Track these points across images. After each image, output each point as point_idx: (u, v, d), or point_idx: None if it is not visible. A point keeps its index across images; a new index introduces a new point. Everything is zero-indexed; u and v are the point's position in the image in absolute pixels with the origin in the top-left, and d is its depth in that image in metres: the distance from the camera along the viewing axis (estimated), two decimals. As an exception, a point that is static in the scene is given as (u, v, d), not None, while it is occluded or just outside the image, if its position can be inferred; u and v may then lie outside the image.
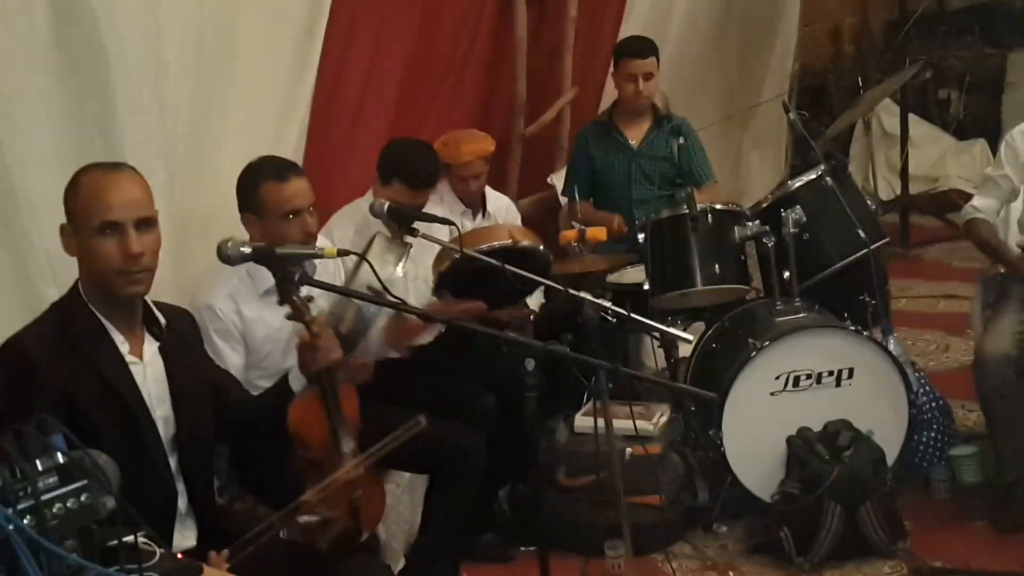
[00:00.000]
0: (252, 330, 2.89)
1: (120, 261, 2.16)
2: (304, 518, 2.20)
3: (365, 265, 2.64)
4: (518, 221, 4.23)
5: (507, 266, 2.97)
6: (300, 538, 2.22)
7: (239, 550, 2.15)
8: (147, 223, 2.20)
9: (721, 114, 6.37)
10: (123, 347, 2.23)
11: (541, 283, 3.07)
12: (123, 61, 2.80)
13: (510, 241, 3.22)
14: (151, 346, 2.28)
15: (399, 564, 3.18)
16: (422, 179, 3.44)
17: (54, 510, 1.52)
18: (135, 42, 2.84)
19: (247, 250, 2.34)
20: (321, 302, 2.95)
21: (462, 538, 3.23)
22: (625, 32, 5.30)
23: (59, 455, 1.56)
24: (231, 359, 2.84)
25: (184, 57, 3.02)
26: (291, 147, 3.53)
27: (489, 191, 4.15)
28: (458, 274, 3.27)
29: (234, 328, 2.86)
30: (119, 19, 2.77)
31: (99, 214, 2.16)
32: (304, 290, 2.37)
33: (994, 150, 3.70)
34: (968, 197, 3.83)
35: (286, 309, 2.37)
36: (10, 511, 1.46)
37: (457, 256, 3.15)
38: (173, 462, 2.29)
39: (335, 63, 3.72)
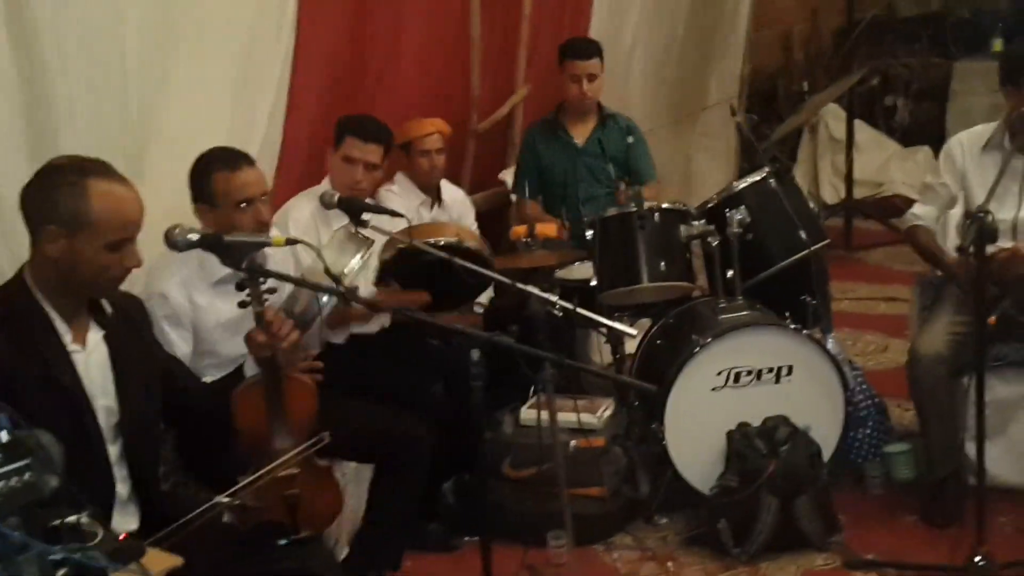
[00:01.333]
0: (203, 318, 2.90)
1: (119, 272, 2.23)
2: (229, 501, 2.20)
3: (323, 252, 2.68)
4: (472, 214, 4.30)
5: (456, 259, 3.00)
6: (233, 521, 2.23)
7: (172, 534, 2.15)
8: None
9: (672, 116, 6.46)
10: (66, 336, 2.23)
11: (486, 278, 3.11)
12: (83, 51, 2.79)
13: (455, 239, 3.26)
14: (96, 334, 2.29)
15: (344, 552, 3.21)
16: (371, 129, 3.53)
17: (-3, 488, 1.54)
18: (95, 28, 2.84)
19: (194, 237, 2.35)
20: (284, 289, 2.98)
21: (407, 527, 3.26)
22: (591, 32, 5.38)
23: (3, 434, 1.57)
24: (178, 346, 2.85)
25: (147, 43, 3.02)
26: (260, 138, 3.55)
27: (445, 183, 4.20)
28: (403, 265, 3.31)
29: (184, 316, 2.87)
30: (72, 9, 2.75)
31: (119, 231, 2.18)
32: (267, 283, 2.40)
33: (938, 157, 3.80)
34: (911, 202, 3.92)
35: (239, 297, 2.38)
36: (-47, 488, 1.48)
37: (402, 246, 3.19)
38: (114, 450, 2.30)
39: (303, 54, 3.74)
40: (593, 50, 4.46)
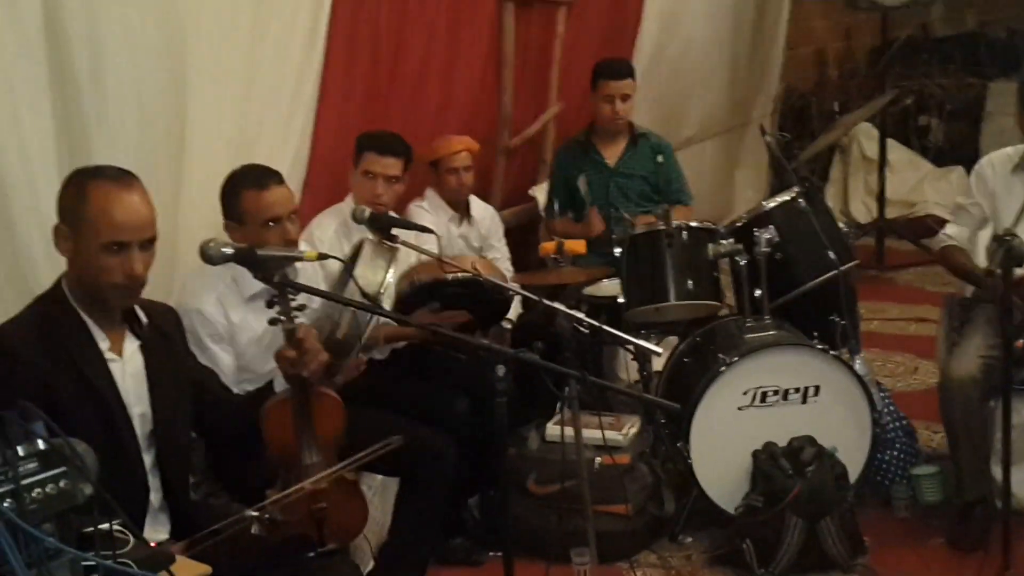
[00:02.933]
0: (237, 334, 2.95)
1: (121, 278, 2.22)
2: (258, 515, 2.24)
3: (356, 270, 2.71)
4: (501, 230, 4.33)
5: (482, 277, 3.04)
6: (261, 533, 2.27)
7: (198, 543, 2.19)
8: (150, 242, 2.27)
9: (713, 134, 6.48)
10: (103, 344, 2.28)
11: (508, 300, 3.14)
12: (107, 59, 2.85)
13: (471, 273, 3.30)
14: (131, 343, 2.34)
15: (369, 565, 3.24)
16: (389, 143, 3.58)
17: (33, 495, 1.58)
18: (131, 44, 2.90)
19: (228, 251, 2.39)
20: (313, 305, 3.02)
21: (431, 541, 3.28)
22: (639, 49, 5.41)
23: (40, 442, 1.62)
24: (224, 361, 2.90)
25: (178, 59, 3.07)
26: (291, 156, 3.61)
27: (474, 199, 4.24)
28: (420, 297, 3.35)
29: (223, 331, 2.93)
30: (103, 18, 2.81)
31: (109, 233, 2.20)
32: (298, 299, 2.43)
33: (970, 176, 3.79)
34: (944, 223, 3.92)
35: (271, 314, 2.42)
36: (-10, 494, 1.52)
37: (420, 282, 3.23)
38: (148, 458, 2.34)
39: (333, 73, 3.80)
40: (626, 70, 4.48)
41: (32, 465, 1.60)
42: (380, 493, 3.34)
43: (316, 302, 2.99)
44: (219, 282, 2.90)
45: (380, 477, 3.35)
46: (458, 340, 2.89)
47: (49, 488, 1.60)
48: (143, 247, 2.24)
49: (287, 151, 3.58)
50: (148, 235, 2.25)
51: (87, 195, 2.22)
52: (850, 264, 3.83)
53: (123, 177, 2.26)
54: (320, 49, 3.70)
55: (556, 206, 4.45)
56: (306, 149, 3.71)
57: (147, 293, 2.48)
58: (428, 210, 4.02)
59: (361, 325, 2.84)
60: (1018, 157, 3.58)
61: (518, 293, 3.35)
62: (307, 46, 3.66)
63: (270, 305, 2.42)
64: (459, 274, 3.27)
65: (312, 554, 2.41)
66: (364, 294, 2.69)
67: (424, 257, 3.26)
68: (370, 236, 3.13)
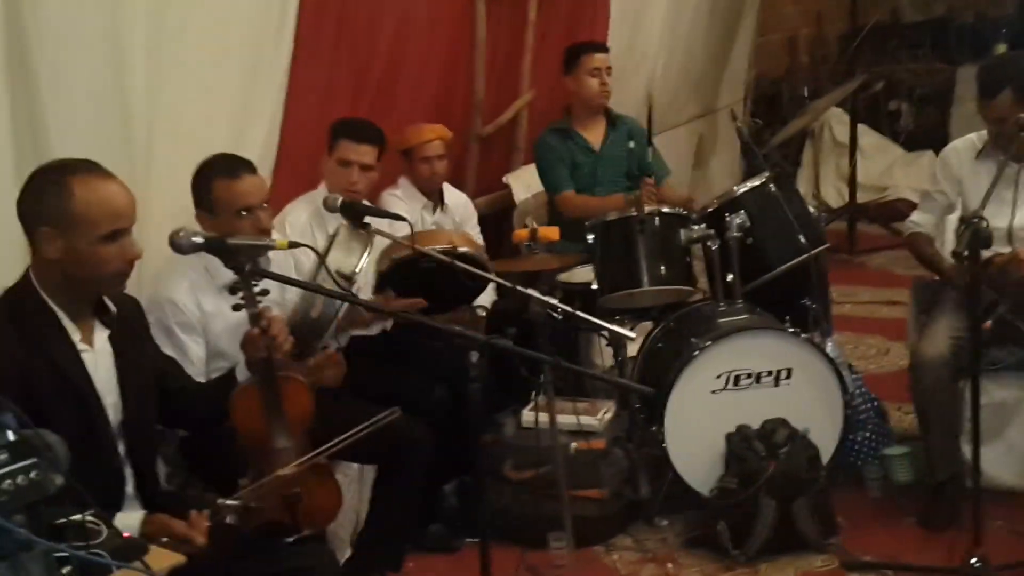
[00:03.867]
0: (211, 323, 2.93)
1: (121, 265, 2.23)
2: (229, 502, 2.24)
3: (332, 254, 2.71)
4: (475, 218, 4.33)
5: (456, 263, 3.04)
6: (235, 522, 2.27)
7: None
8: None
9: (684, 120, 6.51)
10: (75, 335, 2.27)
11: (484, 280, 3.14)
12: (83, 52, 2.82)
13: (449, 245, 3.29)
14: (101, 334, 2.33)
15: (346, 553, 3.24)
16: (364, 131, 3.57)
17: (3, 486, 1.56)
18: (94, 31, 2.87)
19: (199, 240, 2.39)
20: (288, 294, 3.02)
21: (409, 528, 3.29)
22: (609, 38, 5.40)
23: (9, 433, 1.61)
24: (194, 351, 2.89)
25: (145, 49, 3.04)
26: (259, 143, 3.58)
27: (447, 187, 4.23)
28: (398, 274, 3.34)
29: (195, 321, 2.91)
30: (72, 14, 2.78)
31: (109, 222, 2.19)
32: (261, 284, 2.43)
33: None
34: (914, 207, 3.96)
35: (233, 300, 2.42)
36: (-39, 486, 1.51)
37: (399, 257, 3.23)
38: (122, 448, 2.34)
39: (303, 59, 3.77)
40: (606, 46, 4.48)
41: (2, 456, 1.58)
42: (356, 481, 3.34)
43: (288, 290, 2.99)
44: (191, 271, 2.89)
45: (356, 465, 3.35)
46: (431, 326, 2.88)
47: (20, 479, 1.59)
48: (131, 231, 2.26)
49: (255, 140, 3.55)
50: (135, 219, 2.27)
51: (70, 192, 2.18)
52: (821, 248, 3.86)
53: (96, 167, 2.25)
54: (289, 35, 3.67)
55: (549, 189, 4.43)
56: (275, 137, 3.69)
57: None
58: (401, 198, 4.01)
59: (335, 305, 2.84)
60: (981, 143, 3.61)
61: (492, 280, 3.35)
62: (276, 32, 3.62)
63: (233, 291, 2.42)
64: (436, 247, 3.26)
65: (287, 541, 2.41)
66: (338, 274, 2.68)
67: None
68: (344, 223, 3.13)
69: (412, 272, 3.32)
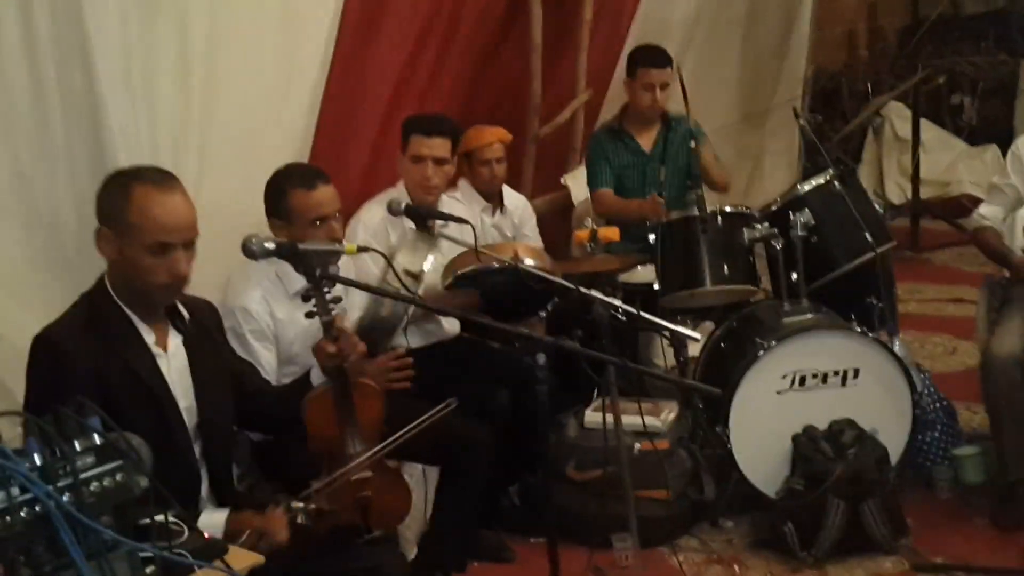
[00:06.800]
0: (283, 331, 2.97)
1: (166, 278, 2.25)
2: (303, 505, 2.27)
3: (398, 254, 2.73)
4: (533, 220, 4.34)
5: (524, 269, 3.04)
6: (308, 524, 2.30)
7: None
8: (193, 241, 2.29)
9: (737, 116, 6.44)
10: (149, 338, 2.32)
11: (551, 290, 3.14)
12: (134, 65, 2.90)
13: (513, 256, 3.29)
14: (175, 338, 2.37)
15: (412, 553, 3.27)
16: (434, 124, 3.58)
17: (91, 488, 1.61)
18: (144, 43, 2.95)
19: (271, 246, 2.42)
20: (356, 298, 3.05)
21: (472, 529, 3.31)
22: (633, 33, 5.38)
23: (96, 436, 1.65)
24: (265, 358, 2.93)
25: (193, 55, 3.10)
26: (297, 143, 3.61)
27: (506, 189, 4.25)
28: (462, 287, 3.36)
29: (267, 329, 2.95)
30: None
31: (154, 234, 2.22)
32: (333, 292, 2.46)
33: (1006, 155, 3.76)
34: (979, 202, 3.89)
35: (306, 308, 2.45)
36: (51, 488, 1.55)
37: (463, 272, 3.25)
38: (197, 449, 2.38)
39: (349, 60, 3.79)
40: (667, 59, 4.44)
41: (89, 459, 1.62)
42: (421, 482, 3.36)
43: (352, 295, 3.02)
44: (264, 278, 2.93)
45: (420, 467, 3.38)
46: (498, 328, 2.90)
47: (106, 481, 1.63)
48: (186, 246, 2.27)
49: (300, 144, 3.58)
50: (192, 235, 2.28)
51: (130, 198, 2.23)
52: (887, 245, 3.81)
53: (165, 179, 2.29)
54: (332, 38, 3.68)
55: (604, 180, 4.43)
56: (308, 142, 3.70)
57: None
58: (461, 200, 4.03)
59: (403, 304, 2.85)
60: (1055, 135, 3.54)
61: (555, 281, 3.35)
62: (318, 36, 3.65)
63: (306, 299, 2.46)
64: (498, 262, 3.27)
65: (360, 541, 2.44)
66: (405, 273, 2.71)
67: (462, 249, 3.28)
68: (411, 227, 3.15)
69: (477, 286, 3.33)
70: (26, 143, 2.82)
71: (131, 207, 2.23)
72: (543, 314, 4.06)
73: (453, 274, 3.32)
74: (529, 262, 3.32)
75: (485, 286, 3.33)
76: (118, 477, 1.64)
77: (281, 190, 2.95)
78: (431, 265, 2.93)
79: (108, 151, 2.85)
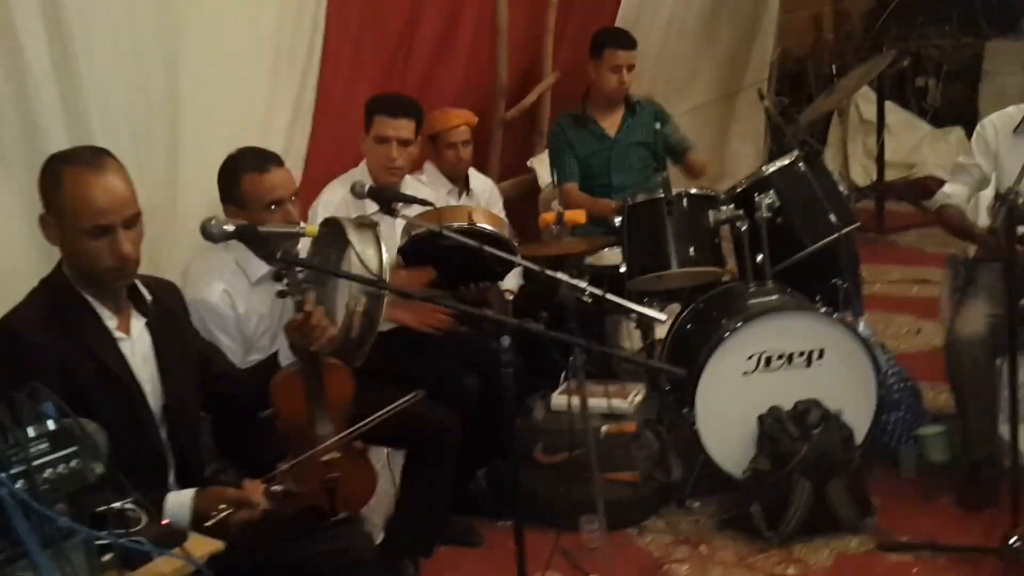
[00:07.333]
0: (247, 322, 2.93)
1: (111, 261, 2.20)
2: (273, 487, 2.25)
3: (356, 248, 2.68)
4: (500, 202, 4.32)
5: (477, 245, 2.99)
6: (274, 507, 2.28)
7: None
8: (133, 220, 2.23)
9: (705, 98, 6.44)
10: (111, 323, 2.28)
11: (506, 259, 3.11)
12: (113, 45, 2.84)
13: (467, 223, 3.27)
14: (138, 322, 2.34)
15: (379, 537, 3.25)
16: (400, 105, 3.55)
17: (45, 475, 1.58)
18: (125, 22, 2.88)
19: (229, 228, 2.38)
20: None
21: (439, 514, 3.29)
22: (620, 20, 5.36)
23: (50, 422, 1.62)
24: (231, 348, 2.88)
25: (176, 35, 3.05)
26: (288, 131, 3.58)
27: (473, 172, 4.23)
28: (417, 250, 3.32)
29: (231, 323, 2.91)
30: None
31: (89, 218, 2.17)
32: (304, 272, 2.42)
33: (971, 138, 3.77)
34: (943, 184, 3.90)
35: (278, 288, 2.42)
36: (3, 475, 1.52)
37: (417, 234, 3.20)
38: (163, 434, 2.35)
39: (332, 46, 3.77)
40: (631, 41, 4.45)
41: (43, 446, 1.60)
42: (388, 466, 3.35)
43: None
44: (224, 269, 2.88)
45: (385, 450, 3.36)
46: (464, 311, 2.87)
47: (61, 468, 1.61)
48: (127, 226, 2.21)
49: (285, 127, 3.55)
50: (129, 213, 2.22)
51: (61, 182, 2.19)
52: (852, 227, 3.82)
53: (95, 159, 2.22)
54: (320, 23, 3.66)
55: (564, 174, 4.42)
56: (307, 125, 3.68)
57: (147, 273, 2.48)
58: (427, 183, 4.00)
59: (376, 305, 2.80)
60: (1020, 117, 3.56)
61: (519, 264, 3.33)
62: (309, 20, 3.62)
63: (278, 278, 2.42)
64: (455, 224, 3.22)
65: (326, 523, 2.42)
66: (369, 271, 2.66)
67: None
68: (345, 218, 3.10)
69: (431, 248, 3.28)
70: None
71: (64, 192, 2.19)
72: (509, 297, 4.05)
73: (409, 235, 3.28)
74: (484, 224, 3.28)
75: (440, 249, 3.27)
76: (73, 464, 1.62)
77: (233, 175, 2.89)
78: (389, 257, 2.88)
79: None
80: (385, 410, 2.45)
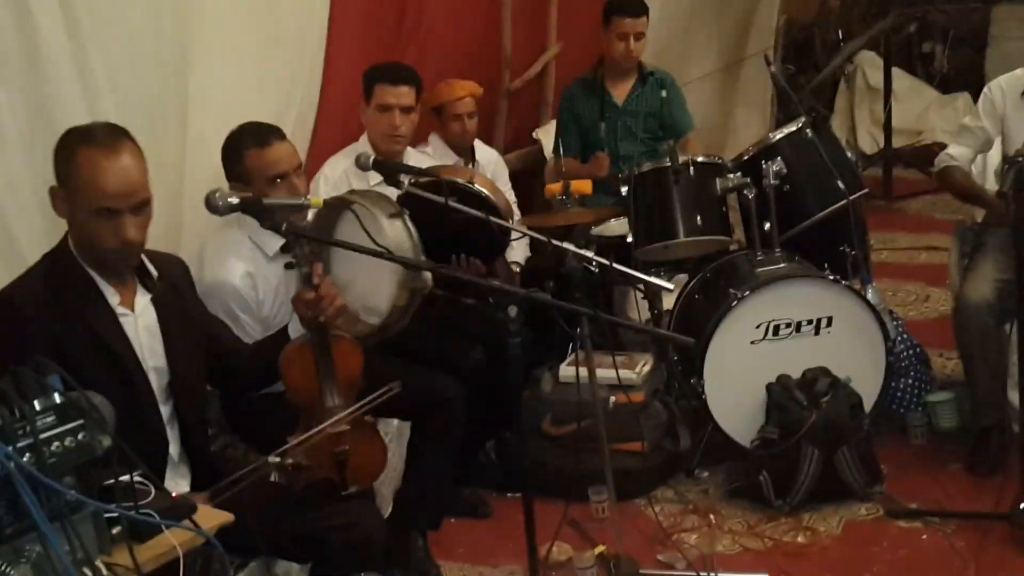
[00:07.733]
0: (264, 304, 2.91)
1: (114, 243, 2.19)
2: (282, 461, 2.25)
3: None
4: (506, 174, 4.30)
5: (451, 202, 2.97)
6: (283, 481, 2.27)
7: (221, 492, 2.21)
8: (142, 205, 2.22)
9: (710, 68, 6.39)
10: (113, 299, 2.27)
11: (524, 235, 3.10)
12: (121, 22, 2.81)
13: (463, 180, 3.23)
14: (143, 297, 2.33)
15: (388, 510, 3.25)
16: (399, 72, 3.55)
17: (52, 448, 1.58)
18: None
19: (235, 200, 2.37)
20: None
21: (446, 486, 3.29)
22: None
23: (56, 395, 1.61)
24: (252, 328, 2.86)
25: (183, 10, 3.02)
26: (297, 104, 3.56)
27: (478, 143, 4.20)
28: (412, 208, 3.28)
29: (254, 305, 2.89)
30: None
31: (97, 199, 2.16)
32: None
33: (977, 100, 3.74)
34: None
35: (285, 260, 2.41)
36: (10, 449, 1.51)
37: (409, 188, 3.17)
38: (166, 410, 2.35)
39: (339, 17, 3.73)
40: (642, 8, 4.40)
41: (49, 419, 1.60)
42: (397, 439, 3.35)
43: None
44: (241, 247, 2.86)
45: (396, 422, 3.36)
46: (471, 282, 2.85)
47: (68, 441, 1.60)
48: (135, 211, 2.20)
49: (291, 101, 3.52)
50: (138, 199, 2.20)
51: (76, 160, 2.18)
52: (859, 193, 3.79)
53: (111, 140, 2.20)
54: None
55: (561, 148, 4.40)
56: (315, 96, 3.65)
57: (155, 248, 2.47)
58: (432, 155, 3.98)
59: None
60: (1028, 80, 3.53)
61: (526, 234, 3.31)
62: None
63: (285, 250, 2.41)
64: (461, 182, 3.18)
65: (337, 497, 2.42)
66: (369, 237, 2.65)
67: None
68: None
69: (429, 209, 3.23)
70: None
71: (76, 170, 2.18)
72: (516, 268, 4.03)
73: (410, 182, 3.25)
74: (479, 189, 3.24)
75: (437, 211, 3.23)
76: (80, 436, 1.61)
77: (236, 152, 2.88)
78: (387, 227, 2.86)
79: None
80: (359, 404, 2.43)
